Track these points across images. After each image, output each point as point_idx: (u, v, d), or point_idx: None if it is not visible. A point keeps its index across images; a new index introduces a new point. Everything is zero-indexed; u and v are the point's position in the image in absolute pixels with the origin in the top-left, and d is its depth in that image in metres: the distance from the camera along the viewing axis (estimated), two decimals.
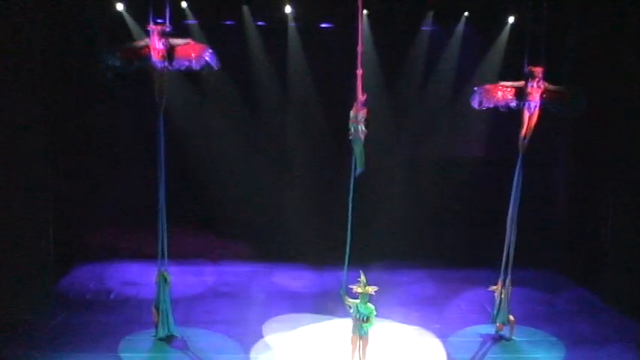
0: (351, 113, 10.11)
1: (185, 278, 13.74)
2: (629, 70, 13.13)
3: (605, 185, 14.02)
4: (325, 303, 12.76)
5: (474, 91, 11.24)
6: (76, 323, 11.95)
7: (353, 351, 10.09)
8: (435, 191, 15.91)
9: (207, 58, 10.66)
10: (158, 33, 10.55)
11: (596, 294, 14.04)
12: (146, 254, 12.45)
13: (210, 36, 14.22)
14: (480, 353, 11.24)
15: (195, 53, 10.67)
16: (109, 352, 10.76)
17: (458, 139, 15.93)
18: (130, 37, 13.79)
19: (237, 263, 15.37)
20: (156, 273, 11.18)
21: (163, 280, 11.15)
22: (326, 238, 15.58)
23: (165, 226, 11.10)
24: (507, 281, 11.50)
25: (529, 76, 10.95)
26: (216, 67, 10.78)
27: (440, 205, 15.97)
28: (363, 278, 9.99)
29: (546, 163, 15.18)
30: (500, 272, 11.68)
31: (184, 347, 11.09)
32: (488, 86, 11.23)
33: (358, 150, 10.09)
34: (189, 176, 15.06)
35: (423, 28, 15.24)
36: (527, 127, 11.04)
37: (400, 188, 15.61)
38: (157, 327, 11.22)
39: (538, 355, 11.21)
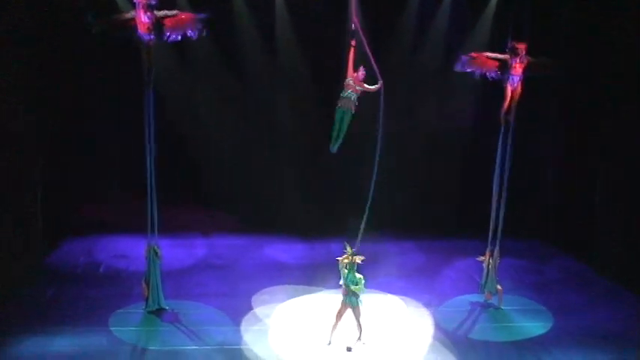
0: (350, 81, 10.19)
1: (175, 251, 13.78)
2: (618, 35, 13.12)
3: (594, 154, 14.04)
4: (315, 274, 12.83)
5: (459, 57, 11.35)
6: (66, 297, 11.95)
7: (336, 323, 10.23)
8: (423, 161, 15.91)
9: (196, 27, 10.56)
10: (144, 6, 10.43)
11: (584, 263, 14.15)
12: (135, 228, 12.42)
13: (195, 3, 14.22)
14: (469, 322, 11.34)
15: (184, 23, 10.57)
16: (99, 325, 10.77)
17: (446, 110, 15.89)
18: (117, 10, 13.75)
19: (227, 236, 15.40)
20: (145, 247, 11.21)
21: (154, 254, 11.17)
22: (316, 209, 15.66)
23: (154, 200, 11.09)
24: (495, 251, 11.58)
25: (512, 53, 11.02)
26: (205, 34, 10.67)
27: (428, 175, 15.97)
28: (348, 249, 10.07)
29: (534, 131, 15.17)
30: (488, 242, 11.77)
31: (175, 320, 11.13)
32: (474, 54, 11.32)
33: (343, 123, 10.15)
34: (178, 149, 14.99)
35: None
36: (511, 100, 11.14)
37: (388, 159, 15.56)
38: (147, 301, 11.26)
39: (526, 324, 11.31)
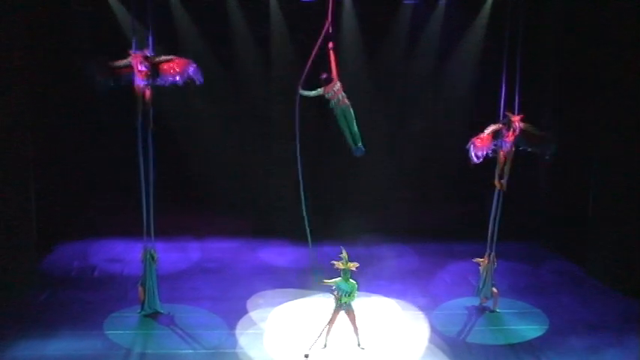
0: (325, 93, 10.29)
1: (169, 255, 13.73)
2: (614, 40, 13.17)
3: (589, 157, 14.08)
4: (310, 278, 12.80)
5: (469, 150, 11.36)
6: (60, 301, 11.93)
7: (330, 326, 10.22)
8: (417, 165, 15.93)
9: (190, 73, 10.76)
10: (140, 59, 10.63)
11: (579, 266, 14.18)
12: (130, 231, 12.40)
13: (191, 8, 14.27)
14: (465, 326, 11.33)
15: (179, 69, 10.73)
16: (94, 329, 10.75)
17: (441, 113, 15.92)
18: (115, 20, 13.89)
19: (222, 239, 15.37)
20: (141, 250, 11.18)
21: (150, 257, 11.15)
22: (312, 213, 15.62)
23: (150, 203, 11.07)
24: (492, 256, 11.58)
25: (507, 124, 11.18)
26: (199, 82, 10.90)
27: (422, 180, 15.99)
28: (344, 254, 10.07)
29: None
30: (484, 246, 11.78)
31: (170, 323, 11.11)
32: (476, 141, 11.32)
33: (350, 120, 10.16)
34: (172, 153, 14.96)
35: (405, 2, 15.16)
36: (504, 164, 11.30)
37: (384, 162, 15.60)
38: (142, 304, 11.23)
39: (522, 327, 11.31)
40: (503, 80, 11.40)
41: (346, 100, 10.27)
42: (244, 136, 15.74)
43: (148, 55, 10.72)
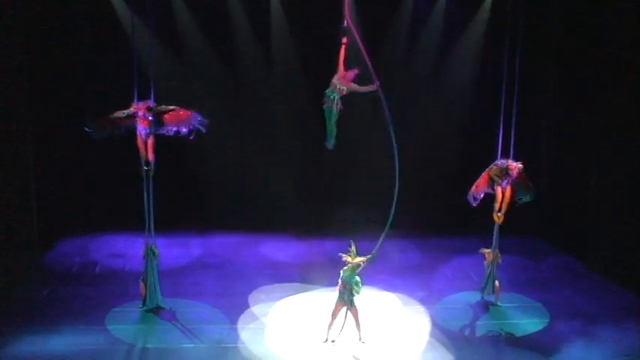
0: (335, 80, 10.10)
1: (170, 250, 13.75)
2: (613, 37, 13.17)
3: (590, 152, 14.08)
4: (312, 273, 12.83)
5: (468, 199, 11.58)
6: (62, 297, 11.93)
7: (332, 321, 10.24)
8: (418, 160, 15.94)
9: (195, 124, 10.89)
10: (144, 109, 10.74)
11: (580, 261, 14.19)
12: (131, 227, 12.41)
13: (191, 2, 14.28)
14: (466, 320, 11.35)
15: (182, 119, 10.87)
16: (96, 324, 10.76)
17: (441, 108, 15.93)
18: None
19: (223, 234, 15.38)
20: (143, 246, 11.20)
21: (152, 253, 11.17)
22: (313, 208, 15.66)
23: (151, 198, 11.08)
24: (496, 252, 11.62)
25: (505, 173, 11.35)
26: (204, 130, 11.02)
27: (423, 175, 15.99)
28: (353, 248, 10.08)
29: (530, 129, 15.23)
30: (485, 241, 11.81)
31: (172, 318, 11.12)
32: (473, 189, 11.53)
33: (330, 121, 10.14)
34: (174, 148, 14.95)
35: None
36: (503, 201, 11.44)
37: (385, 157, 15.58)
38: (144, 300, 11.25)
39: (523, 321, 11.33)
40: (504, 78, 11.41)
41: (333, 104, 10.13)
42: (245, 130, 15.75)
43: (151, 105, 10.82)
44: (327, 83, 10.42)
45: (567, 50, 14.70)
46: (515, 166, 11.32)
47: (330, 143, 10.39)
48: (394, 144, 10.46)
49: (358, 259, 10.04)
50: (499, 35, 11.86)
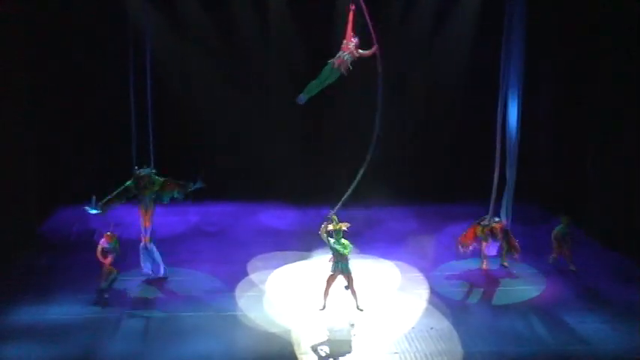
0: (350, 44, 10.23)
1: (168, 219, 13.76)
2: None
3: (588, 120, 14.04)
4: (309, 241, 12.83)
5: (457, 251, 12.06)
6: (61, 265, 12.00)
7: (327, 289, 10.29)
8: (415, 127, 15.90)
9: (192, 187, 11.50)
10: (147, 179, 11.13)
11: (578, 227, 14.18)
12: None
13: None
14: (463, 287, 11.42)
15: (177, 188, 11.42)
16: (94, 293, 10.78)
17: (438, 75, 15.78)
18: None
19: (220, 203, 15.35)
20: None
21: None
22: (310, 176, 15.61)
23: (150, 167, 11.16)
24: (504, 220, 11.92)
25: (491, 235, 11.75)
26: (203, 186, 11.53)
27: (420, 143, 15.95)
28: (334, 216, 10.10)
29: (529, 97, 15.13)
30: (483, 208, 11.91)
31: (171, 287, 11.20)
32: (460, 245, 11.98)
33: (322, 81, 10.12)
34: (173, 117, 14.91)
35: None
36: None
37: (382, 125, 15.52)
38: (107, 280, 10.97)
39: (519, 287, 11.41)
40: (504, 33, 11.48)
41: (345, 67, 10.22)
42: (245, 101, 15.64)
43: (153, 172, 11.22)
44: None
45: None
46: (500, 227, 11.69)
47: (304, 98, 10.37)
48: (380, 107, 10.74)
49: (342, 225, 10.08)
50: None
